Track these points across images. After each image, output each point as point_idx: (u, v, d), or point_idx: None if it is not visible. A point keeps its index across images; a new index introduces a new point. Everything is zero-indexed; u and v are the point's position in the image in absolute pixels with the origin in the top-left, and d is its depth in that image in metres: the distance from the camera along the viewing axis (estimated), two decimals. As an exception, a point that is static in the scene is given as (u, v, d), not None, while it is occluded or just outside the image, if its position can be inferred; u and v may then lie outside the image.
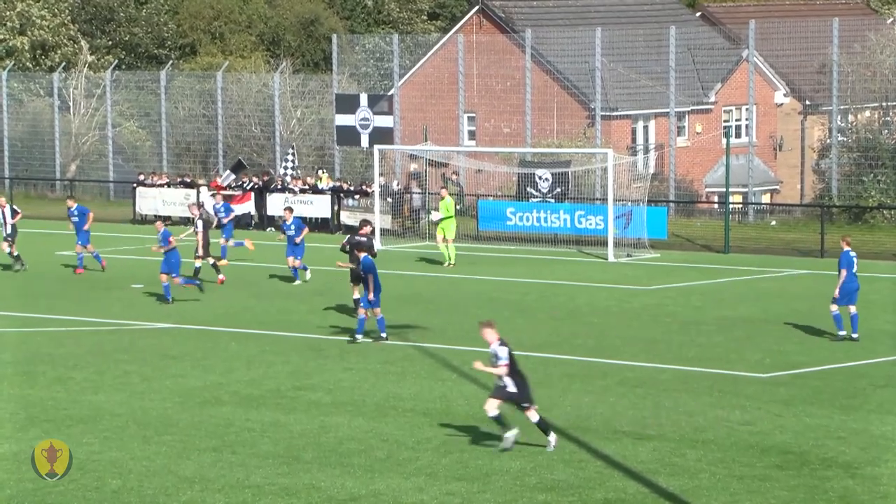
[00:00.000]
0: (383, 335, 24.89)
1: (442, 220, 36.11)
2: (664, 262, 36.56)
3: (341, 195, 43.98)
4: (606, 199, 38.17)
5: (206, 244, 31.80)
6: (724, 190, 41.35)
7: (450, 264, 35.50)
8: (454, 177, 44.92)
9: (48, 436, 18.30)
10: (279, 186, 45.17)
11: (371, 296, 24.33)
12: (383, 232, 40.87)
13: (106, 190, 53.33)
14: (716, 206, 46.90)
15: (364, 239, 26.22)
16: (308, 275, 32.18)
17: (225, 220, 33.72)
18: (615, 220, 37.63)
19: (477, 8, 52.67)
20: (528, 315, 28.22)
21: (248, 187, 45.36)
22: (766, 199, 50.89)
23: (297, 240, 31.80)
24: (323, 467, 16.97)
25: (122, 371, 22.51)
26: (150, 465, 17.06)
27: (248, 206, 45.07)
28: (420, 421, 19.20)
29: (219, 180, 46.87)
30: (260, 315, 28.03)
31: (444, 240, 35.94)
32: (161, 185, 47.19)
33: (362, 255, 24.85)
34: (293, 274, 32.21)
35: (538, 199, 41.00)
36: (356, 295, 25.92)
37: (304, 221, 44.10)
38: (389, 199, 42.85)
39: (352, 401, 20.41)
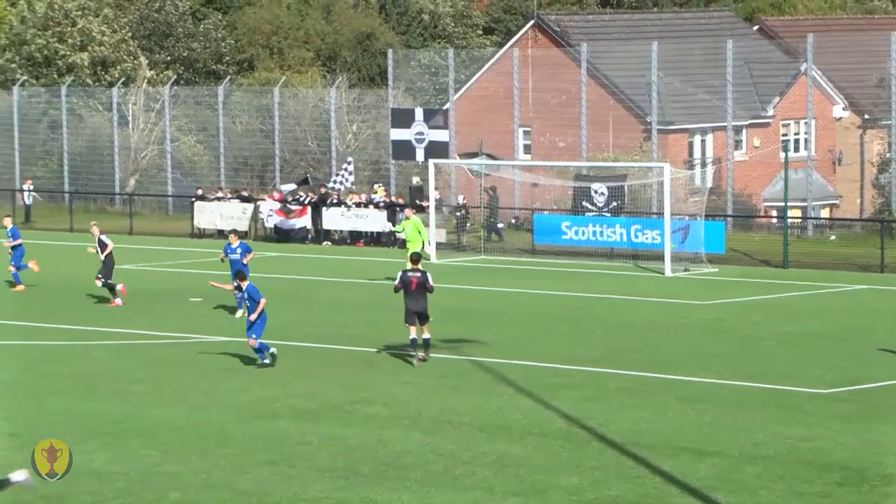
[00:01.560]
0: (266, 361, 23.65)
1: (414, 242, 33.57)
2: (722, 276, 36.31)
3: (397, 209, 44.09)
4: (663, 214, 37.99)
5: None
6: (782, 204, 41.02)
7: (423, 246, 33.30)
8: (491, 191, 44.85)
9: (107, 449, 18.45)
10: (335, 201, 45.35)
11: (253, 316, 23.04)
12: (439, 246, 40.91)
13: (165, 204, 53.81)
14: (774, 220, 46.56)
15: (419, 274, 23.88)
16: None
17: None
18: (672, 234, 37.43)
19: (532, 22, 52.69)
20: (585, 330, 28.11)
21: (304, 201, 45.59)
22: (825, 213, 50.46)
23: (245, 260, 29.58)
24: (380, 481, 16.98)
25: (181, 384, 22.65)
26: (209, 479, 17.14)
27: (304, 221, 45.29)
28: (476, 435, 19.16)
29: (275, 194, 47.19)
30: (314, 329, 28.12)
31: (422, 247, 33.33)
32: (219, 199, 47.52)
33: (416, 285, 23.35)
34: (238, 303, 28.46)
35: (594, 213, 40.88)
36: (412, 335, 23.98)
37: (359, 235, 44.62)
38: (447, 213, 42.92)
39: (408, 414, 20.42)
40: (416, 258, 24.50)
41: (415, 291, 23.64)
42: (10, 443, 18.74)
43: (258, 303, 23.55)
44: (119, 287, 31.23)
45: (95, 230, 31.79)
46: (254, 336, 23.62)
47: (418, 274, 23.77)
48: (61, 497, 16.33)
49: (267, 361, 23.66)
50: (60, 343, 26.66)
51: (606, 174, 42.38)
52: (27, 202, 51.77)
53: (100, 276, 31.16)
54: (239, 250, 29.94)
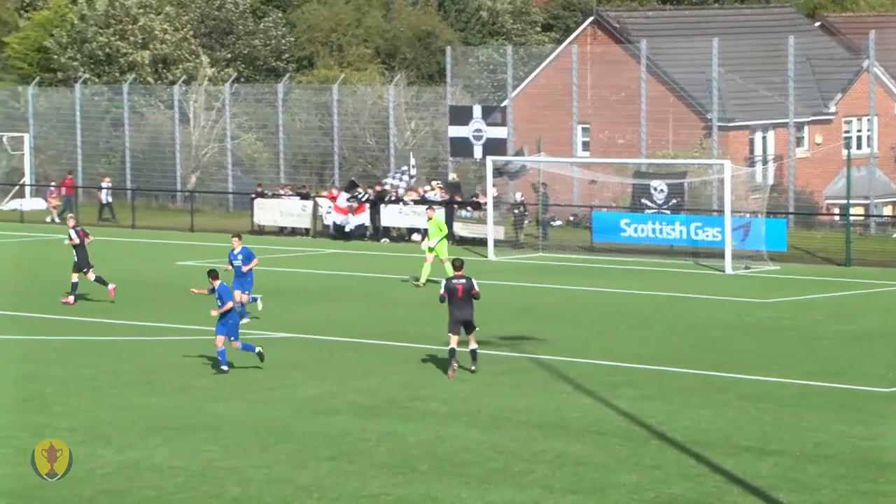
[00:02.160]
0: (224, 368, 22.93)
1: (438, 242, 33.58)
2: (784, 274, 36.00)
3: (454, 206, 44.08)
4: (724, 211, 37.71)
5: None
6: (844, 202, 40.61)
7: (418, 284, 33.05)
8: (542, 187, 44.73)
9: (168, 444, 18.60)
10: (393, 198, 45.44)
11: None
12: (497, 243, 40.87)
13: (225, 201, 54.15)
14: (836, 217, 46.08)
15: (464, 280, 22.61)
16: (260, 305, 28.40)
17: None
18: (733, 231, 37.16)
19: (591, 19, 52.51)
20: (645, 328, 27.97)
21: (363, 199, 45.71)
22: (887, 211, 49.88)
23: (245, 269, 27.68)
24: (439, 478, 16.99)
25: (242, 380, 22.79)
26: (270, 474, 17.23)
27: (363, 218, 45.42)
28: (535, 433, 19.13)
29: (334, 193, 47.33)
30: (375, 325, 28.19)
31: (435, 259, 33.23)
32: (281, 196, 47.75)
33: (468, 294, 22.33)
34: (240, 310, 26.99)
35: (653, 211, 40.66)
36: (453, 344, 22.59)
37: (417, 232, 44.61)
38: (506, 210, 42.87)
39: (467, 412, 20.42)
40: (460, 264, 23.01)
41: (461, 299, 22.43)
42: (71, 438, 18.94)
43: (226, 304, 22.99)
44: (77, 280, 30.75)
45: (71, 222, 31.41)
46: (232, 339, 22.98)
47: (463, 280, 22.51)
48: (123, 492, 16.48)
49: (224, 368, 22.80)
50: (123, 338, 26.90)
51: (666, 171, 42.13)
52: (106, 200, 51.32)
53: (87, 270, 30.71)
54: (241, 256, 27.79)
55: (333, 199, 46.05)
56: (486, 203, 41.91)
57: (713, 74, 46.45)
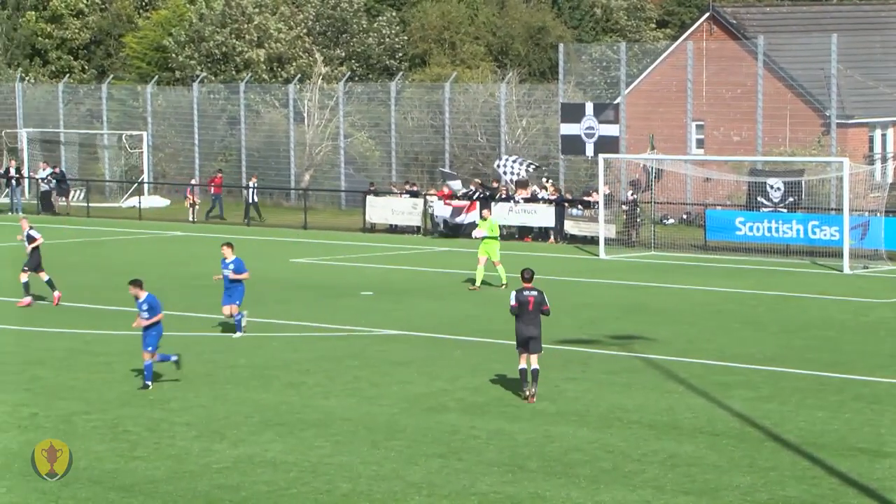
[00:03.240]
0: (148, 383, 21.85)
1: (485, 238, 33.06)
2: (902, 274, 35.27)
3: (565, 205, 43.91)
4: (842, 210, 37.03)
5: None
6: (967, 200, 39.61)
7: (503, 286, 32.13)
8: (636, 183, 44.29)
9: (281, 439, 18.79)
10: (503, 196, 45.38)
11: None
12: (608, 241, 40.62)
13: (338, 199, 54.61)
14: (959, 217, 44.92)
15: (535, 293, 20.88)
16: (244, 322, 26.39)
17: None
18: (851, 230, 36.47)
19: (707, 15, 51.86)
20: (759, 328, 27.58)
21: (473, 196, 45.73)
22: None
23: (234, 276, 26.13)
24: (548, 477, 16.92)
25: (352, 376, 22.94)
26: (379, 470, 17.31)
27: (473, 216, 45.43)
28: (646, 433, 18.96)
29: (445, 189, 47.46)
30: (484, 323, 28.18)
31: (488, 261, 32.64)
32: (396, 194, 47.95)
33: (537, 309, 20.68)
34: (236, 325, 26.24)
35: (769, 209, 40.08)
36: (524, 363, 20.91)
37: (528, 230, 44.53)
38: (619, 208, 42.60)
39: (576, 411, 20.31)
40: (530, 276, 21.00)
41: (531, 313, 20.58)
42: (188, 432, 19.23)
43: (158, 315, 21.81)
44: (56, 293, 30.31)
45: (25, 224, 31.22)
46: (150, 349, 21.81)
47: (535, 293, 20.67)
48: (237, 486, 16.68)
49: (149, 384, 21.74)
50: (237, 334, 27.21)
51: (782, 169, 41.51)
52: (253, 199, 50.67)
53: (26, 268, 30.47)
54: (232, 266, 26.22)
55: (445, 196, 46.16)
56: (597, 201, 41.67)
57: (832, 71, 45.64)
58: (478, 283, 32.89)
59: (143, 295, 21.87)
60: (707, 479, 16.77)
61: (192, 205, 51.83)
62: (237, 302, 26.29)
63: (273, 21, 64.01)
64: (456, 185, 46.74)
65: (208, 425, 19.56)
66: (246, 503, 16.08)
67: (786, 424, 19.17)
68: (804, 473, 16.93)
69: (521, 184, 45.16)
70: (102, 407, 20.70)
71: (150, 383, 21.85)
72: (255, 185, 51.77)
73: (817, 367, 23.34)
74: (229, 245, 26.60)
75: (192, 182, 53.69)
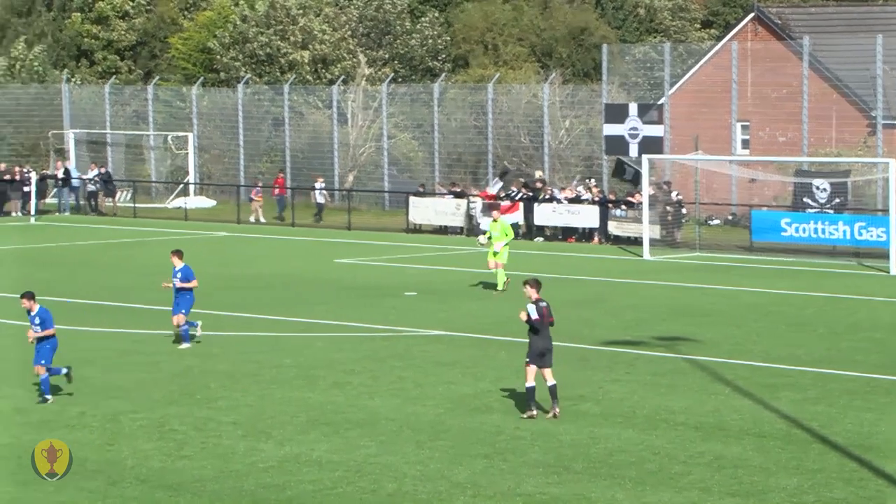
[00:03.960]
0: (48, 397, 21.06)
1: (503, 247, 32.16)
2: (950, 276, 34.94)
3: (608, 206, 43.82)
4: (889, 211, 36.75)
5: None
6: None
7: (504, 286, 31.89)
8: (665, 186, 44.11)
9: (327, 439, 18.86)
10: (547, 196, 45.33)
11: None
12: (652, 242, 40.50)
13: (381, 200, 54.74)
14: None
15: (545, 304, 19.90)
16: (199, 331, 25.62)
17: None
18: (897, 231, 36.18)
19: (752, 15, 51.62)
20: (806, 329, 27.41)
21: (516, 197, 45.71)
22: None
23: (181, 284, 25.26)
24: (593, 478, 16.89)
25: (397, 377, 22.98)
26: (424, 470, 17.34)
27: (517, 217, 45.41)
28: (692, 435, 18.89)
29: (489, 190, 47.47)
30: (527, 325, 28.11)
31: (497, 265, 31.95)
32: (441, 195, 47.99)
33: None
34: (182, 335, 25.34)
35: (815, 210, 39.83)
36: (531, 381, 19.80)
37: (571, 231, 44.43)
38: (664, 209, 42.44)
39: (621, 412, 20.26)
40: (539, 286, 20.01)
41: (545, 325, 19.76)
42: (234, 431, 19.33)
43: (49, 329, 20.97)
44: None
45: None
46: (42, 362, 20.99)
47: (545, 304, 19.78)
48: (283, 486, 16.76)
49: (49, 398, 20.98)
50: (285, 334, 27.37)
51: (829, 170, 41.25)
52: (319, 200, 50.98)
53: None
54: (179, 275, 25.34)
55: (489, 198, 46.16)
56: (640, 202, 41.55)
57: (878, 72, 45.32)
58: (500, 286, 32.31)
59: (35, 308, 21.04)
60: (754, 480, 16.70)
61: (261, 206, 51.45)
62: (184, 311, 25.32)
63: (317, 23, 64.22)
64: (496, 185, 46.75)
65: (254, 425, 19.66)
66: (291, 502, 16.15)
67: (833, 426, 19.05)
68: (851, 475, 16.82)
69: (538, 180, 45.01)
70: (150, 406, 20.84)
71: (49, 397, 21.05)
72: (323, 186, 51.91)
73: (865, 369, 23.17)
74: (177, 253, 25.64)
75: (259, 184, 53.37)
